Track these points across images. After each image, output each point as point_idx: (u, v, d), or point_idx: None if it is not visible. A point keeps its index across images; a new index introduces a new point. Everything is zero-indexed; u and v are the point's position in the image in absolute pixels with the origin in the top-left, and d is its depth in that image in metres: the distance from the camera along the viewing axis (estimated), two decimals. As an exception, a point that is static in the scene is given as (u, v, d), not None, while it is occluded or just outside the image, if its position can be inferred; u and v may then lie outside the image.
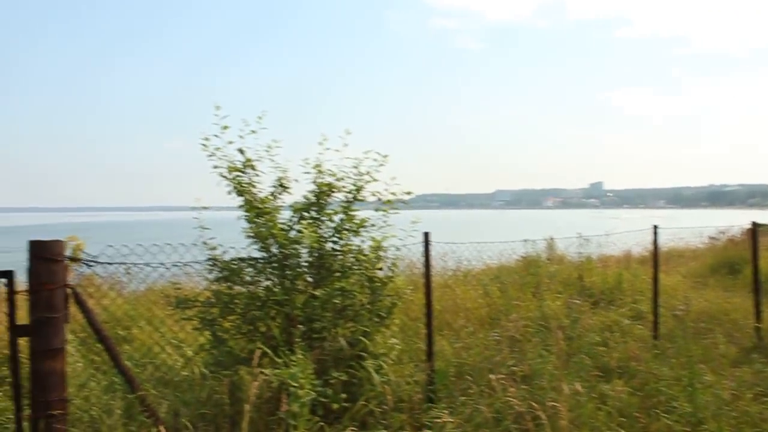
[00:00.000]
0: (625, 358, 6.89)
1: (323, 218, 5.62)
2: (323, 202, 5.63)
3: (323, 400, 4.79)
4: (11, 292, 3.80)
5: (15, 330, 3.81)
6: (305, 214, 5.60)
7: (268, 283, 5.47)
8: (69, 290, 3.97)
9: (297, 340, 5.12)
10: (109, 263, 4.78)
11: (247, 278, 5.45)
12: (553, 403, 4.96)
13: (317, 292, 5.29)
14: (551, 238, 14.63)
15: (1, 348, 5.76)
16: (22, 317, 3.84)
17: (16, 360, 3.82)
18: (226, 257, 5.48)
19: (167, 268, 5.22)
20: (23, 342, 3.84)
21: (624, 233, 14.40)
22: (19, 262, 3.94)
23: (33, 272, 3.80)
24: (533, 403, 4.99)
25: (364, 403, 5.04)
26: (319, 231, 5.54)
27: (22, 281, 3.90)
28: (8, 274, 3.82)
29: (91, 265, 4.56)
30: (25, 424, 3.82)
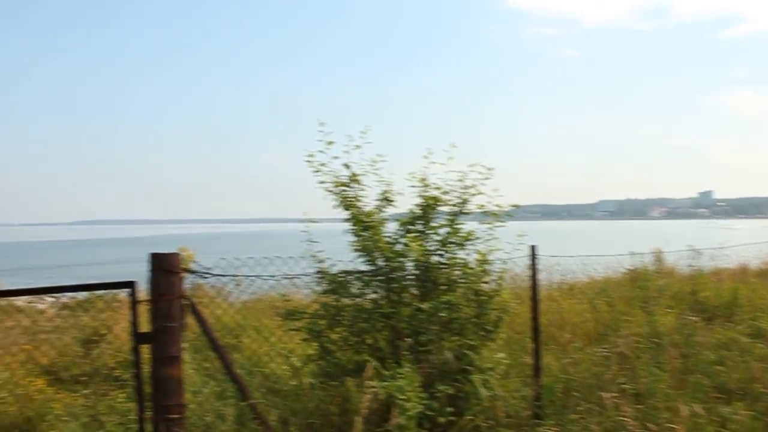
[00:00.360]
0: (746, 379, 6.45)
1: (429, 231, 5.61)
2: (429, 215, 5.63)
3: (430, 413, 4.76)
4: (134, 302, 4.01)
5: (137, 337, 4.01)
6: (411, 227, 5.61)
7: (375, 295, 5.49)
8: (185, 301, 4.15)
9: (404, 352, 5.13)
10: (222, 275, 4.96)
11: (354, 291, 5.50)
12: (669, 425, 4.75)
13: (423, 305, 5.27)
14: (659, 251, 14.11)
15: (125, 353, 6.08)
16: (144, 325, 4.04)
17: (138, 365, 4.02)
18: (334, 270, 5.56)
19: (277, 280, 5.35)
20: (144, 348, 4.03)
21: (739, 246, 13.67)
22: (139, 273, 4.15)
23: (153, 283, 3.99)
24: (648, 424, 4.80)
25: (470, 417, 4.99)
26: (425, 244, 5.53)
27: (143, 291, 4.11)
28: (130, 285, 4.03)
29: (205, 277, 4.75)
30: (147, 426, 4.00)
